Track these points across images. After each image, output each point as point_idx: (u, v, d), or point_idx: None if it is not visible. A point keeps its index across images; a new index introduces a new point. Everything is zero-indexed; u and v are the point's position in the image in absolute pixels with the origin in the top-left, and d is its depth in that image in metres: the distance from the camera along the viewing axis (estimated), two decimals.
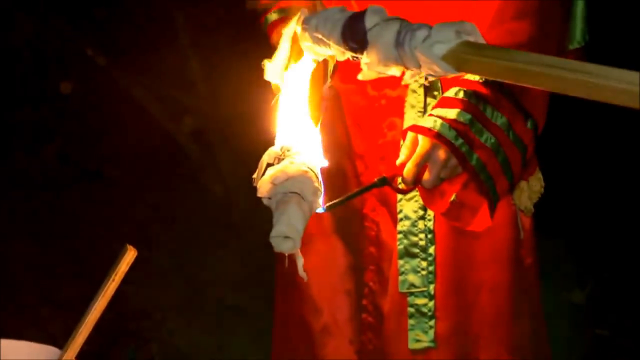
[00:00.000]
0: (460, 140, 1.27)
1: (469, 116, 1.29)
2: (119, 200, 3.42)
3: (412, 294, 1.45)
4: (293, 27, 1.12)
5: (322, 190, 1.02)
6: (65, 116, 3.73)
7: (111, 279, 1.49)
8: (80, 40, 3.75)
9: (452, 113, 1.29)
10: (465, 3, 1.39)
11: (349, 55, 1.07)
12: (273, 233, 0.97)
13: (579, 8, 1.52)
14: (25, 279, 2.94)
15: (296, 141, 1.07)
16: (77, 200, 3.41)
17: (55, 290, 2.96)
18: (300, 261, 1.01)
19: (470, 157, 1.28)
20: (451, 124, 1.28)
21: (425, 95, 1.43)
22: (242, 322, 2.97)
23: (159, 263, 3.18)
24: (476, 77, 1.30)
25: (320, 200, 1.03)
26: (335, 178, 1.44)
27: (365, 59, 1.04)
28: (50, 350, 1.48)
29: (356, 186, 1.51)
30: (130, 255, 1.46)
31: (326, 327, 1.54)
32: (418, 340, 1.44)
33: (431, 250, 1.44)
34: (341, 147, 1.54)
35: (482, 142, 1.29)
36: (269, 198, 1.01)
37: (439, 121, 1.28)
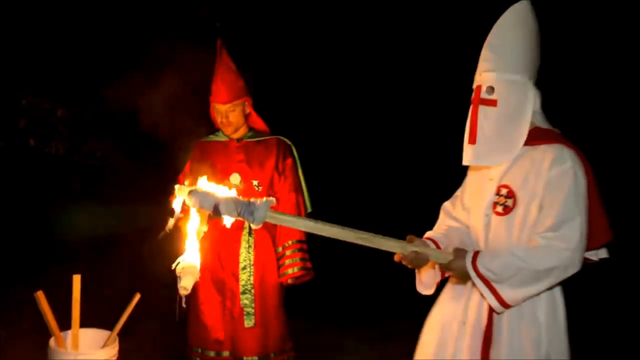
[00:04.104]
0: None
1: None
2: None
3: (246, 307, 3.64)
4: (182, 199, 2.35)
5: (199, 277, 2.53)
6: None
7: (130, 307, 3.61)
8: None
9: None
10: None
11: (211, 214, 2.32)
12: (182, 284, 2.42)
13: (303, 185, 3.74)
14: None
15: (189, 256, 2.54)
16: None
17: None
18: (185, 299, 2.45)
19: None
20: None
21: (249, 234, 3.67)
22: None
23: None
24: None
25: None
26: (216, 284, 3.65)
27: (224, 218, 2.37)
28: (103, 333, 3.56)
29: (229, 289, 3.59)
30: (136, 298, 3.50)
31: (212, 323, 3.66)
32: (249, 324, 3.64)
33: (253, 291, 3.66)
34: (216, 267, 3.62)
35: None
36: (178, 275, 2.48)
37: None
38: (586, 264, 2.49)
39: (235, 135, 3.70)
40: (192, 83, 3.83)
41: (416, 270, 2.63)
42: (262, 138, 3.73)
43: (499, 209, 2.55)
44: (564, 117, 2.79)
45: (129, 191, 5.29)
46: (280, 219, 2.44)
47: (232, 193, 2.37)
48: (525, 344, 2.49)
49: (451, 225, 2.71)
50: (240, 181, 3.64)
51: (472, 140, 2.53)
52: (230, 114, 3.60)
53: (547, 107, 2.61)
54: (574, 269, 2.40)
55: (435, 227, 2.76)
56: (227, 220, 2.38)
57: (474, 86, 2.59)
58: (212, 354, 3.65)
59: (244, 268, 3.64)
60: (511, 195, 2.52)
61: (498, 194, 2.56)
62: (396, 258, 2.46)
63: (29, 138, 5.32)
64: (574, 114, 4.02)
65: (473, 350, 2.56)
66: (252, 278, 3.63)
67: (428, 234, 2.71)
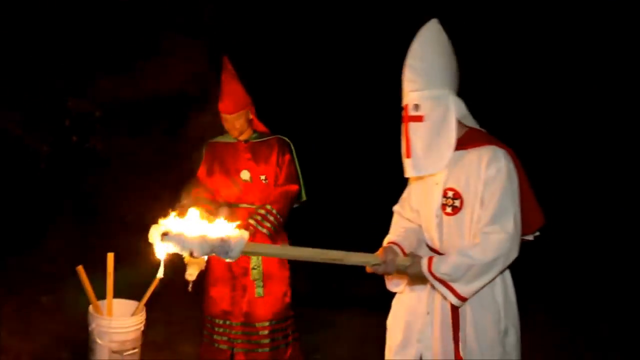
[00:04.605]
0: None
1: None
2: None
3: (256, 280, 4.22)
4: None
5: (204, 265, 3.58)
6: None
7: (154, 282, 4.27)
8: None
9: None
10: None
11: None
12: (188, 271, 3.47)
13: (300, 177, 4.25)
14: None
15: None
16: None
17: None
18: (192, 276, 3.57)
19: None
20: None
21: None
22: None
23: None
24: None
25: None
26: (229, 263, 4.19)
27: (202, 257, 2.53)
28: (132, 303, 4.26)
29: (242, 267, 4.15)
30: (158, 279, 4.02)
31: (221, 296, 4.23)
32: (259, 294, 4.20)
33: (261, 267, 4.21)
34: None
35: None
36: (187, 263, 3.44)
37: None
38: (524, 242, 2.74)
39: (242, 137, 4.17)
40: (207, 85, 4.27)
41: None
42: (265, 138, 4.20)
43: (448, 209, 2.73)
44: (489, 118, 2.98)
45: (153, 181, 5.81)
46: (255, 252, 2.88)
47: (207, 229, 2.37)
48: (488, 323, 2.72)
49: (407, 227, 2.90)
50: (250, 177, 4.12)
51: (408, 155, 2.71)
52: (236, 121, 4.10)
53: (475, 110, 2.81)
54: (514, 254, 2.64)
55: (393, 230, 2.92)
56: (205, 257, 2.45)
57: (403, 105, 2.75)
58: (220, 321, 4.23)
59: None
60: (457, 196, 2.71)
61: (445, 196, 2.74)
62: (368, 270, 2.65)
63: (72, 135, 5.85)
64: (496, 115, 4.32)
65: (445, 338, 2.76)
66: (260, 256, 4.20)
67: (390, 238, 2.85)
